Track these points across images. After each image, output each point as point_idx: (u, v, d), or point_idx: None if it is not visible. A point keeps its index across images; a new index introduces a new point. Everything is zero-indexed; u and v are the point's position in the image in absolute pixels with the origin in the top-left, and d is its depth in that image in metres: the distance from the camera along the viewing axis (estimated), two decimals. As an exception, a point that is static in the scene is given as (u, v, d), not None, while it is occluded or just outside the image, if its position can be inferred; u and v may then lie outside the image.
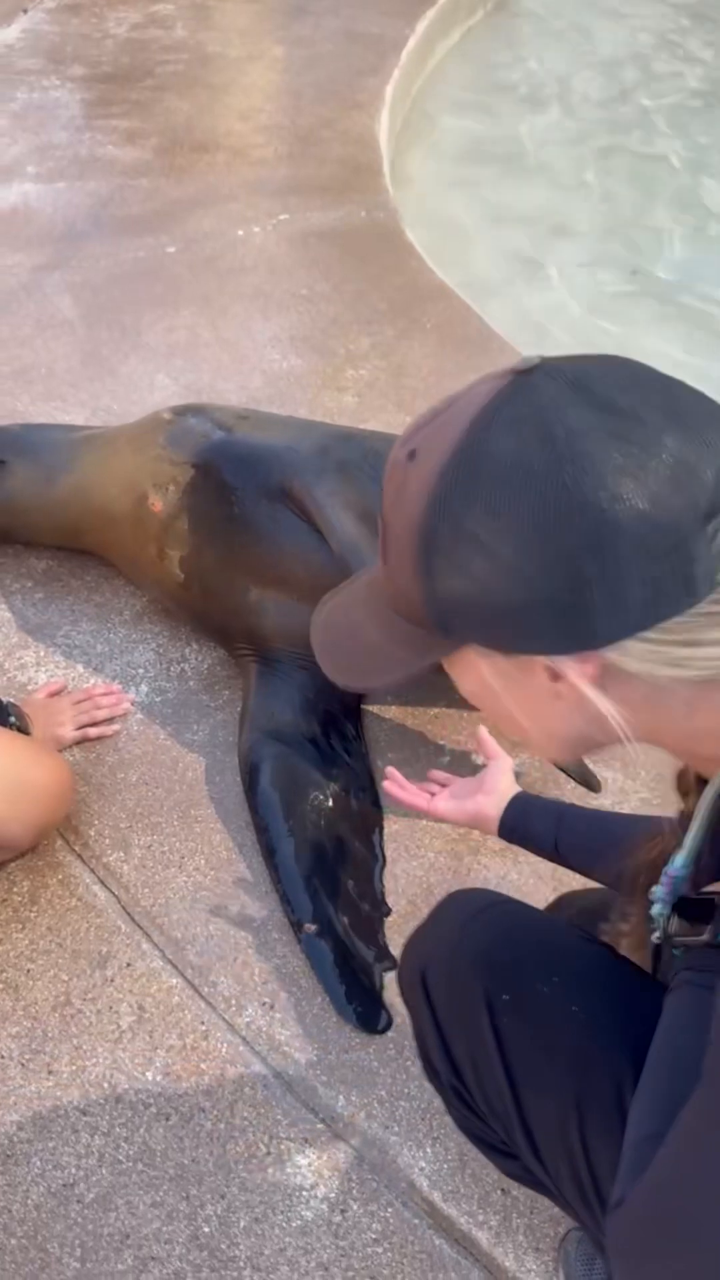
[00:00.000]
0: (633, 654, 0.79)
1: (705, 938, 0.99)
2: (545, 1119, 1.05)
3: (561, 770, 1.83)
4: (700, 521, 0.76)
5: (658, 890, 1.07)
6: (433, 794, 1.71)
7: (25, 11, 5.39)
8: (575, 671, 0.81)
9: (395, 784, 1.74)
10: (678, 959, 1.03)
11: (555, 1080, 1.04)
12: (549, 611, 0.78)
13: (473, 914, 1.14)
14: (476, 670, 0.87)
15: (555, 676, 0.83)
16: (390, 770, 1.77)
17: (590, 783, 1.87)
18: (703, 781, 0.99)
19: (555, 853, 1.53)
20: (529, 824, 1.54)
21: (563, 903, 1.59)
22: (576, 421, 0.76)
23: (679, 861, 1.04)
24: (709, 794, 0.94)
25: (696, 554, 0.76)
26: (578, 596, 0.77)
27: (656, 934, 1.10)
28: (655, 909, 1.08)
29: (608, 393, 0.78)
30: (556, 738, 0.91)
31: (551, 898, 1.66)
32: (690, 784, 1.03)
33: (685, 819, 1.04)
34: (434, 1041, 1.14)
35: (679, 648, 0.78)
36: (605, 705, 0.82)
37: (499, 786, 1.60)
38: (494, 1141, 1.16)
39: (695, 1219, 0.81)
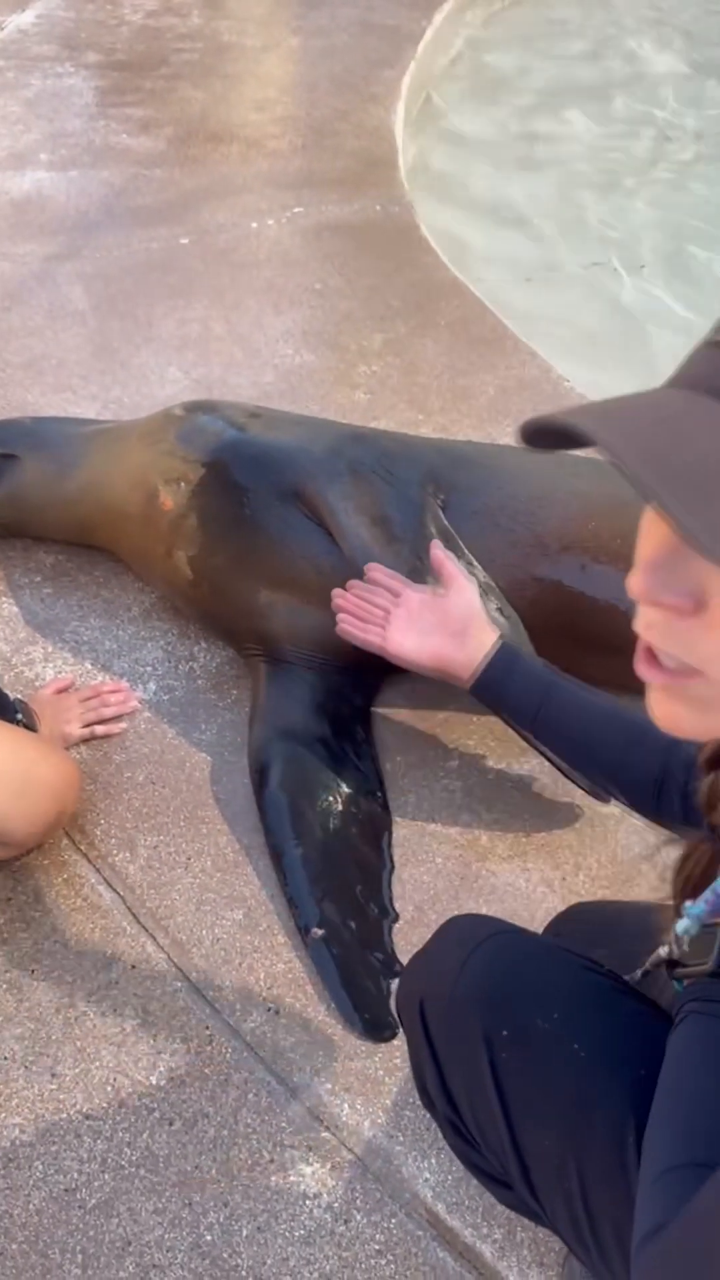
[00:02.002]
0: None
1: (708, 967, 0.97)
2: (542, 1158, 1.03)
3: (571, 780, 1.81)
4: None
5: (695, 908, 1.02)
6: (383, 623, 1.51)
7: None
8: None
9: (348, 620, 1.61)
10: (679, 992, 1.00)
11: (554, 1120, 1.02)
12: None
13: (474, 944, 1.11)
14: None
15: None
16: (340, 602, 1.59)
17: (599, 795, 1.84)
18: None
19: (531, 730, 1.39)
20: (507, 688, 1.38)
21: (571, 914, 1.58)
22: None
23: None
24: None
25: None
26: None
27: (667, 950, 1.07)
28: (682, 925, 1.03)
29: None
30: None
31: (560, 907, 1.65)
32: None
33: (713, 830, 1.00)
34: (430, 1072, 1.12)
35: None
36: None
37: (468, 624, 1.41)
38: (490, 1170, 1.14)
39: None
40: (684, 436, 0.64)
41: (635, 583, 0.73)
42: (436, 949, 1.15)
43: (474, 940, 1.12)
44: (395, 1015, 1.59)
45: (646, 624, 0.75)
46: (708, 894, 1.00)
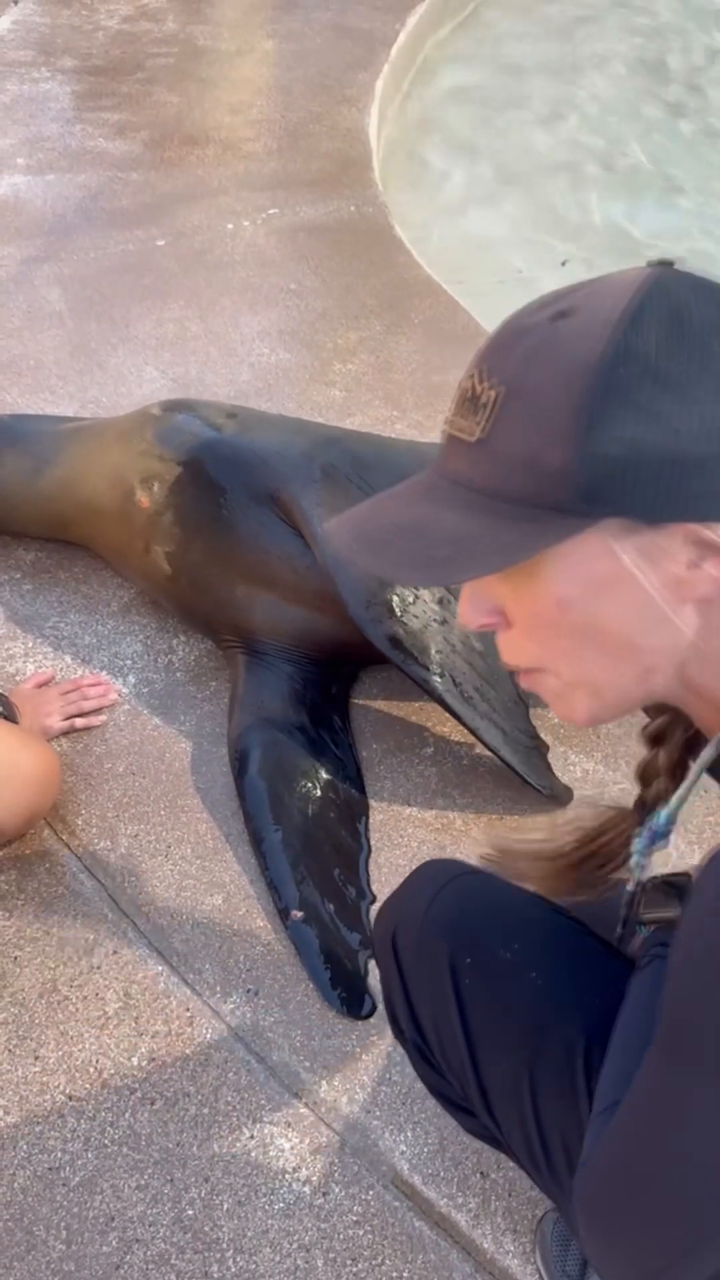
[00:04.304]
0: None
1: (674, 915, 1.02)
2: (499, 1079, 1.09)
3: (529, 784, 1.85)
4: None
5: (637, 842, 1.06)
6: None
7: (15, 3, 5.38)
8: (698, 542, 0.78)
9: None
10: (646, 936, 1.05)
11: (510, 1042, 1.07)
12: (698, 469, 0.76)
13: (444, 881, 1.17)
14: (593, 562, 0.80)
15: (700, 556, 0.78)
16: None
17: (559, 795, 1.89)
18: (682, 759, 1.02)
19: None
20: None
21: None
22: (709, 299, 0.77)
23: (663, 816, 1.03)
24: (709, 752, 0.91)
25: None
26: None
27: (631, 884, 1.11)
28: (634, 859, 1.07)
29: None
30: (634, 673, 0.86)
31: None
32: (657, 770, 1.04)
33: (642, 805, 1.06)
34: (400, 999, 1.18)
35: None
36: (694, 617, 0.80)
37: None
38: (453, 1097, 1.20)
39: (656, 1171, 0.84)
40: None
41: (460, 616, 0.90)
42: (410, 886, 1.21)
43: (445, 877, 1.18)
44: (372, 994, 1.63)
45: (500, 649, 0.91)
46: (644, 829, 1.04)
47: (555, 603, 0.82)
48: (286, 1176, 1.49)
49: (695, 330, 0.76)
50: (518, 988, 1.08)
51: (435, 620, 1.89)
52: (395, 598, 1.87)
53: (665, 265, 0.80)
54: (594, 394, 0.76)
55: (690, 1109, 0.81)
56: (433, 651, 1.86)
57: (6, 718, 1.85)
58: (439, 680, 1.84)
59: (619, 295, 0.78)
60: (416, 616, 1.87)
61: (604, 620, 0.82)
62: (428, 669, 1.84)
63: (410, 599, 1.89)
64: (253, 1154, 1.50)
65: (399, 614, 1.86)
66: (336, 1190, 1.47)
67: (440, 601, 1.91)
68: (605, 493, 0.77)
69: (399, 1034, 1.23)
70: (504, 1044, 1.08)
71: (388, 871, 1.82)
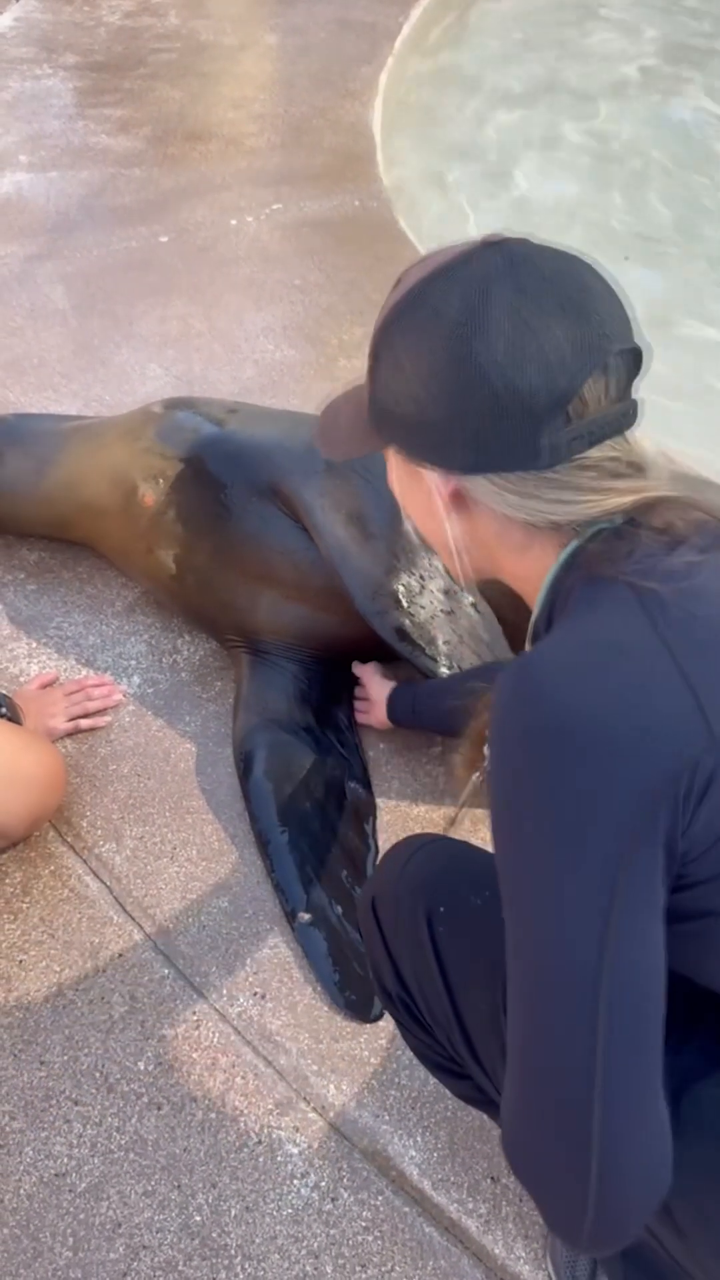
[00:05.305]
0: (480, 489, 0.98)
1: None
2: (479, 1020, 1.13)
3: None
4: (555, 404, 0.92)
5: None
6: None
7: None
8: (438, 487, 1.00)
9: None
10: None
11: (486, 981, 1.11)
12: (429, 432, 0.97)
13: (418, 846, 1.25)
14: (393, 469, 1.08)
15: (436, 489, 1.01)
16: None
17: None
18: None
19: (417, 723, 1.88)
20: (396, 713, 1.90)
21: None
22: (497, 294, 0.92)
23: None
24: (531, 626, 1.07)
25: (546, 428, 0.93)
26: (450, 427, 0.96)
27: None
28: None
29: (535, 279, 0.93)
30: (445, 548, 1.07)
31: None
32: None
33: None
34: (384, 961, 1.23)
35: (516, 496, 0.97)
36: (451, 525, 1.03)
37: (379, 696, 1.95)
38: (442, 1061, 1.23)
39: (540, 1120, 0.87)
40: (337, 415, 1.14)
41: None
42: (386, 858, 1.28)
43: (418, 843, 1.26)
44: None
45: None
46: None
47: (392, 488, 1.11)
48: (295, 1182, 1.47)
49: (424, 317, 0.95)
50: (489, 930, 1.11)
51: (442, 611, 1.87)
52: (401, 589, 1.86)
53: (491, 245, 0.95)
54: (371, 356, 1.02)
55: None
56: (440, 643, 1.84)
57: (10, 719, 1.83)
58: (446, 672, 1.82)
59: (416, 278, 0.97)
60: (423, 607, 1.85)
61: (412, 511, 1.10)
62: (435, 660, 1.82)
63: (417, 590, 1.87)
64: (260, 1159, 1.49)
65: (405, 605, 1.84)
66: (345, 1195, 1.46)
67: (446, 593, 1.89)
68: (381, 427, 1.03)
69: (386, 997, 1.26)
70: (480, 984, 1.12)
71: (395, 872, 1.80)
